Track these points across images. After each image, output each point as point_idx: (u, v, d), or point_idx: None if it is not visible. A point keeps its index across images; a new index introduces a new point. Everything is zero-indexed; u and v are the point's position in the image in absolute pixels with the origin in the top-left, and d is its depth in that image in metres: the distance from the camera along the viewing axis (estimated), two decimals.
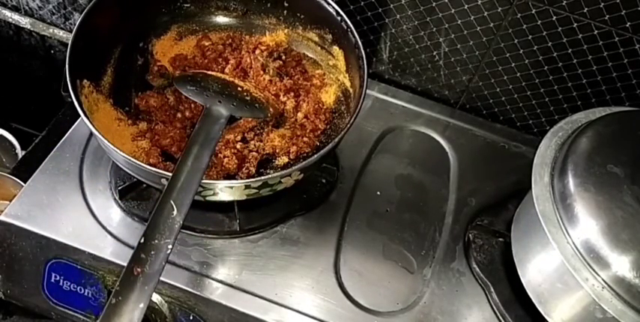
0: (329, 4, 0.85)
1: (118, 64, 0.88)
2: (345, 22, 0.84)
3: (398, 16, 0.96)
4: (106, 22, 0.83)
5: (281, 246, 0.85)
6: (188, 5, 0.93)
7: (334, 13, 0.85)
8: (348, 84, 0.89)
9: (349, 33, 0.83)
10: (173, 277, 0.80)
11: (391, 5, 0.95)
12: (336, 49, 0.90)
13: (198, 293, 0.79)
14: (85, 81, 0.80)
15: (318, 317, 0.80)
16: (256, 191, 0.73)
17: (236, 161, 0.80)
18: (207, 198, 0.74)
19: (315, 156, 0.74)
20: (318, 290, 0.82)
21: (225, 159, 0.80)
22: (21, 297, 0.87)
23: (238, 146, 0.83)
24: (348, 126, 0.75)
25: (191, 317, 0.81)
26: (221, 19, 0.95)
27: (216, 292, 0.80)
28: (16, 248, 0.84)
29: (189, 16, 0.94)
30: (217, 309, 0.80)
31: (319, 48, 0.92)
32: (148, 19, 0.91)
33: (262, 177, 0.72)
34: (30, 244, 0.83)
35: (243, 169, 0.81)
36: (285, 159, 0.84)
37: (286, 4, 0.91)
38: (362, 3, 0.97)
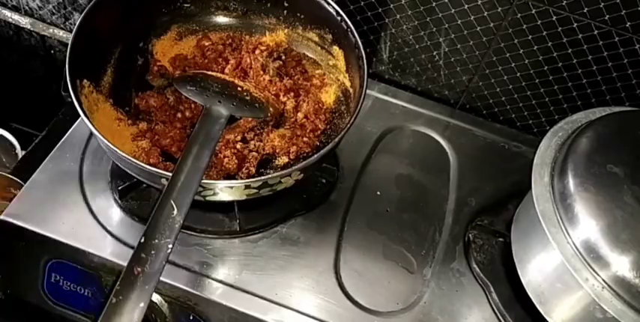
0: (329, 4, 0.85)
1: (118, 64, 0.87)
2: (345, 22, 0.84)
3: (398, 16, 0.96)
4: (106, 22, 0.83)
5: (281, 246, 0.85)
6: (188, 5, 0.93)
7: (334, 13, 0.85)
8: (348, 84, 0.89)
9: (349, 33, 0.83)
10: (173, 277, 0.80)
11: (391, 5, 0.95)
12: (336, 49, 0.90)
13: (198, 293, 0.79)
14: (85, 81, 0.80)
15: (318, 317, 0.80)
16: (256, 191, 0.73)
17: (236, 161, 0.80)
18: (207, 198, 0.74)
19: (315, 156, 0.74)
20: (318, 290, 0.82)
21: (225, 159, 0.80)
22: (21, 297, 0.87)
23: (238, 146, 0.83)
24: (348, 126, 0.75)
25: (191, 317, 0.81)
26: (221, 19, 0.95)
27: (216, 292, 0.80)
28: (16, 248, 0.84)
29: (189, 16, 0.94)
30: (217, 309, 0.80)
31: (319, 48, 0.92)
32: (148, 19, 0.91)
33: (262, 177, 0.72)
34: (30, 244, 0.83)
35: (243, 169, 0.81)
36: (285, 159, 0.84)
37: (286, 4, 0.91)
38: (362, 3, 0.97)
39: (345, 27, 0.84)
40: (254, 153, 0.83)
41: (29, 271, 0.84)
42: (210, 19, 0.95)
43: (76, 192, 0.85)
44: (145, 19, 0.90)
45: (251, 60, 0.89)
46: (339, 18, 0.84)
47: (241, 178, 0.80)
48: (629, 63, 0.88)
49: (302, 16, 0.91)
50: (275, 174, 0.72)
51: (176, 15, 0.93)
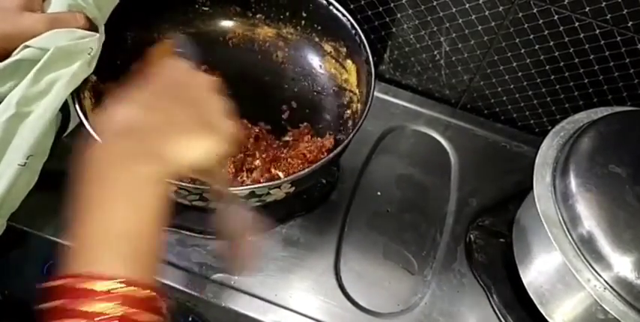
0: (344, 15, 0.84)
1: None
2: (359, 36, 0.82)
3: (398, 15, 0.96)
4: (122, 19, 0.82)
5: (281, 247, 0.84)
6: (207, 9, 0.92)
7: (349, 26, 0.84)
8: (356, 99, 0.88)
9: (362, 47, 0.82)
10: (172, 278, 0.79)
11: (392, 4, 0.95)
12: (349, 63, 0.89)
13: (197, 294, 0.79)
14: (92, 76, 0.79)
15: (318, 318, 0.79)
16: (243, 201, 0.72)
17: (233, 170, 0.80)
18: (194, 203, 0.73)
19: (306, 170, 0.72)
20: (319, 291, 0.81)
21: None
22: (19, 298, 0.87)
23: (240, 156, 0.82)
24: (346, 142, 0.74)
25: (190, 319, 0.81)
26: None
27: (215, 293, 0.79)
28: (15, 249, 0.83)
29: (206, 20, 0.93)
30: (216, 310, 0.79)
31: (334, 61, 0.91)
32: (165, 19, 0.90)
33: (249, 187, 0.69)
34: (29, 245, 0.82)
35: (238, 178, 0.80)
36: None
37: (304, 15, 0.91)
38: (362, 2, 0.96)
39: (359, 40, 0.83)
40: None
41: (28, 272, 0.84)
42: (226, 25, 0.94)
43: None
44: (161, 18, 0.89)
45: None
46: (353, 31, 0.83)
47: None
48: (630, 62, 0.88)
49: (319, 27, 0.90)
50: (263, 185, 0.70)
51: (194, 18, 0.92)
